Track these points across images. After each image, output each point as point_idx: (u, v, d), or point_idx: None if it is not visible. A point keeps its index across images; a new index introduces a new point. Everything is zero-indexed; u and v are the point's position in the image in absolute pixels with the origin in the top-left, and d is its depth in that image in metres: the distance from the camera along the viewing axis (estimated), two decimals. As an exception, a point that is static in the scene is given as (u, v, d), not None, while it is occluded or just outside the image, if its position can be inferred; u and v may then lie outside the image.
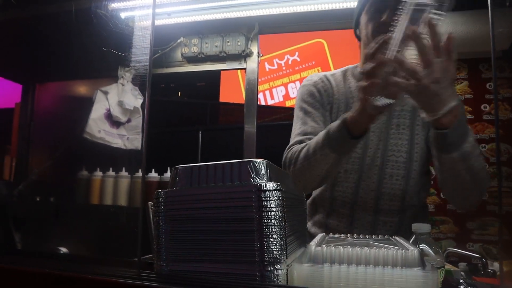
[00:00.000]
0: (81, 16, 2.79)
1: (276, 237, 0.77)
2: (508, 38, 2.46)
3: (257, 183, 0.79)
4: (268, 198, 0.78)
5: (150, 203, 1.91)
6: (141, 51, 3.08)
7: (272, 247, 0.76)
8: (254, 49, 2.98)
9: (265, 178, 0.82)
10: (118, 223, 2.80)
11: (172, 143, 4.00)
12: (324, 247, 0.78)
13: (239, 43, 2.94)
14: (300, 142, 1.39)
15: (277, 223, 0.78)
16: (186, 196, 0.83)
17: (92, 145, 2.86)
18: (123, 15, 2.71)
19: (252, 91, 3.02)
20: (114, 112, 2.89)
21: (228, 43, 2.96)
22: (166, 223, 0.83)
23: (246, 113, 3.01)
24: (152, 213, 0.86)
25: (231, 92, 4.75)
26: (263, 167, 0.82)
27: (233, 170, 0.83)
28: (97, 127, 2.83)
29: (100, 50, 2.91)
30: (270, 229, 0.77)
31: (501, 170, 2.11)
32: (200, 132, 4.06)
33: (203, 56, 2.99)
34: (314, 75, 1.53)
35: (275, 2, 2.74)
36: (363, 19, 1.38)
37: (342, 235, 1.03)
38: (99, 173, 2.98)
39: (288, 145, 1.42)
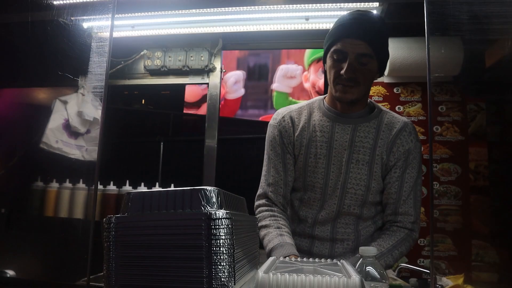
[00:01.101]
0: (43, 23, 2.74)
1: (225, 264, 0.79)
2: (457, 65, 2.61)
3: (207, 211, 0.82)
4: (217, 227, 0.80)
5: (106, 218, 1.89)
6: (98, 62, 3.05)
7: (220, 274, 0.79)
8: (217, 64, 3.01)
9: (215, 206, 0.84)
10: (74, 237, 2.73)
11: (132, 154, 3.94)
12: (271, 274, 0.81)
13: (202, 58, 2.96)
14: (264, 195, 1.59)
15: (225, 250, 0.80)
16: (137, 222, 0.84)
17: (48, 155, 2.79)
18: (85, 25, 2.68)
19: (214, 105, 3.04)
20: (73, 122, 2.84)
21: (192, 58, 2.97)
22: (117, 248, 0.84)
23: (207, 127, 3.03)
24: (103, 238, 0.86)
25: (195, 102, 4.74)
26: (214, 195, 0.85)
27: (184, 198, 0.85)
28: (54, 137, 2.77)
29: (61, 58, 2.86)
30: (219, 256, 0.79)
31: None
32: (162, 143, 4.03)
33: (166, 69, 2.99)
34: (279, 112, 1.62)
35: (239, 20, 2.78)
36: (328, 61, 1.46)
37: (293, 258, 1.06)
38: (55, 184, 2.90)
39: (257, 194, 1.63)
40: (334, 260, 1.07)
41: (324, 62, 1.51)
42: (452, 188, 2.71)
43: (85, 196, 2.88)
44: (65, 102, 2.86)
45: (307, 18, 2.63)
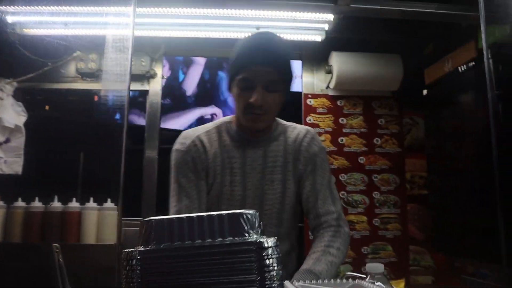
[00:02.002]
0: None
1: (279, 300, 0.69)
2: (397, 80, 2.76)
3: (256, 239, 0.71)
4: (269, 256, 0.70)
5: (55, 245, 1.62)
6: (23, 62, 2.70)
7: (276, 312, 0.68)
8: (159, 70, 2.84)
9: (259, 232, 0.73)
10: (-10, 263, 2.34)
11: (52, 166, 3.54)
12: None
13: (143, 64, 2.77)
14: None
15: (278, 283, 0.70)
16: (168, 257, 0.70)
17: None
18: (10, 19, 2.35)
19: (154, 114, 2.86)
20: (-11, 130, 2.46)
21: (132, 62, 2.75)
22: (144, 290, 0.69)
23: (147, 137, 2.83)
24: (123, 278, 0.71)
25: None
26: (256, 219, 0.74)
27: (222, 224, 0.73)
28: (-34, 147, 2.37)
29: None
30: (272, 291, 0.69)
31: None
32: (81, 154, 3.68)
33: (101, 73, 2.73)
34: (186, 136, 1.49)
35: (183, 25, 2.65)
36: (234, 90, 1.40)
37: (307, 281, 0.99)
38: (-35, 203, 2.48)
39: None
40: (356, 281, 1.02)
41: (229, 89, 1.46)
42: (391, 197, 2.85)
43: (3, 215, 2.50)
44: (-21, 107, 2.47)
45: (258, 28, 2.59)
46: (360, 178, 2.83)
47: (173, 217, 0.74)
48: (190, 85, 4.00)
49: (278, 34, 1.43)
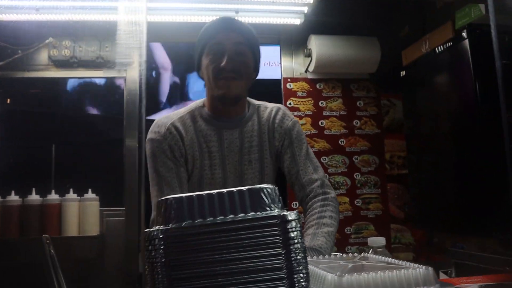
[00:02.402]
0: None
1: (304, 271, 0.70)
2: (375, 62, 2.80)
3: (280, 213, 0.71)
4: (293, 229, 0.70)
5: (46, 236, 1.56)
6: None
7: (302, 283, 0.69)
8: (135, 57, 2.76)
9: (280, 206, 0.73)
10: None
11: (23, 160, 3.42)
12: (348, 276, 0.74)
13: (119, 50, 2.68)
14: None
15: (302, 255, 0.70)
16: (193, 233, 0.69)
17: None
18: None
19: (133, 102, 2.78)
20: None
21: (107, 48, 2.68)
22: (168, 270, 0.68)
23: (126, 126, 2.76)
24: (145, 259, 0.69)
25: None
26: (276, 195, 0.74)
27: (243, 199, 0.72)
28: None
29: None
30: (298, 263, 0.69)
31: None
32: (53, 146, 3.57)
33: (75, 60, 2.64)
34: (160, 123, 1.47)
35: (165, 9, 2.59)
36: (204, 62, 1.43)
37: (320, 257, 1.00)
38: None
39: (151, 219, 1.40)
40: (362, 254, 1.04)
41: (198, 70, 1.48)
42: (371, 177, 2.91)
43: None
44: None
45: (237, 11, 2.56)
46: (341, 160, 2.88)
47: (193, 195, 0.72)
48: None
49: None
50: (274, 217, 0.70)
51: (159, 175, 1.41)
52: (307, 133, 2.81)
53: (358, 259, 0.96)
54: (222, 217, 0.71)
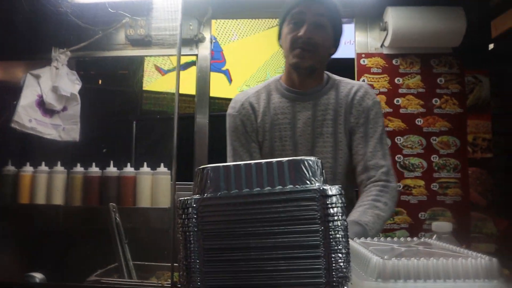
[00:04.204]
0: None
1: (343, 251, 0.64)
2: (459, 35, 2.54)
3: (319, 187, 0.66)
4: (333, 205, 0.65)
5: (112, 204, 1.67)
6: (75, 31, 2.72)
7: (340, 263, 0.64)
8: (207, 34, 2.79)
9: (322, 180, 0.68)
10: (54, 226, 2.48)
11: (106, 135, 3.66)
12: (395, 261, 0.67)
13: (191, 27, 2.73)
14: None
15: (342, 234, 0.65)
16: (228, 204, 0.67)
17: (20, 136, 2.49)
18: (60, -12, 2.37)
19: (204, 79, 2.83)
20: (48, 98, 2.54)
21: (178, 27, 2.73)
22: (201, 240, 0.66)
23: (197, 103, 2.82)
24: (179, 227, 0.68)
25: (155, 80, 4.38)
26: (318, 167, 0.69)
27: (282, 171, 0.68)
28: (27, 115, 2.46)
29: (30, 28, 2.54)
30: (337, 242, 0.64)
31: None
32: (134, 122, 3.77)
33: (150, 39, 2.73)
34: (237, 99, 1.56)
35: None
36: (284, 31, 1.46)
37: (375, 239, 0.93)
38: (29, 168, 2.61)
39: None
40: (422, 239, 0.96)
41: (280, 37, 1.50)
42: (451, 161, 2.68)
43: (64, 180, 2.61)
44: (37, 77, 2.55)
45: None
46: (417, 141, 2.69)
47: (230, 165, 0.70)
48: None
49: None
50: (313, 190, 0.65)
51: (234, 149, 1.51)
52: (382, 112, 2.66)
53: (416, 244, 0.87)
54: (259, 188, 0.68)
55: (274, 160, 0.69)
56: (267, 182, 0.68)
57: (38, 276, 1.64)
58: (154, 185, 2.58)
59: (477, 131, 2.71)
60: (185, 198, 0.69)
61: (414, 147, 2.69)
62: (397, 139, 2.68)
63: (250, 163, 0.69)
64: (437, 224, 1.03)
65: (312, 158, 0.69)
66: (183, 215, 0.68)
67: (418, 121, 2.70)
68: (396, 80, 2.73)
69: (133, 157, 3.30)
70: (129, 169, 2.60)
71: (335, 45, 1.50)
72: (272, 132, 1.48)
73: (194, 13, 2.74)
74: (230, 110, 1.56)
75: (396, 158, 2.64)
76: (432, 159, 2.69)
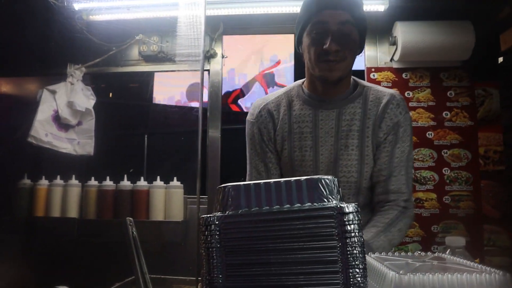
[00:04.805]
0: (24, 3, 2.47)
1: (361, 266, 0.66)
2: (468, 49, 2.57)
3: (337, 204, 0.68)
4: (350, 222, 0.67)
5: (129, 218, 1.70)
6: (90, 48, 2.78)
7: (358, 278, 0.66)
8: (218, 50, 2.85)
9: (339, 198, 0.71)
10: (69, 237, 2.52)
11: (117, 148, 3.71)
12: (411, 276, 0.69)
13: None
14: None
15: (359, 249, 0.67)
16: (249, 221, 0.70)
17: (36, 150, 2.55)
18: (77, 6, 2.44)
19: (216, 93, 2.87)
20: (63, 113, 2.60)
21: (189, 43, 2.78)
22: (223, 255, 0.69)
23: (210, 117, 2.86)
24: (202, 243, 0.71)
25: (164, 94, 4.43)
26: (335, 185, 0.71)
27: (301, 189, 0.71)
28: (44, 130, 2.52)
29: (46, 45, 2.61)
30: (354, 257, 0.66)
31: None
32: (146, 136, 3.82)
33: (163, 55, 2.79)
34: (256, 105, 1.50)
35: (240, 2, 2.63)
36: (305, 40, 1.35)
37: (390, 254, 0.95)
38: (44, 182, 2.66)
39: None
40: (437, 254, 0.97)
41: (299, 45, 1.40)
42: (463, 173, 2.69)
43: (79, 193, 2.66)
44: (53, 92, 2.61)
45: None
46: (428, 154, 2.70)
47: (250, 183, 0.73)
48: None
49: None
50: (330, 208, 0.68)
51: (250, 157, 1.49)
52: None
53: (430, 259, 0.89)
54: (278, 206, 0.70)
55: (292, 178, 0.72)
56: (286, 200, 0.70)
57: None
58: (167, 199, 2.62)
59: (489, 143, 2.72)
60: (208, 215, 0.72)
61: (425, 160, 2.70)
62: (408, 152, 2.69)
63: (269, 182, 0.72)
64: (450, 239, 1.04)
65: (329, 177, 0.71)
66: (206, 232, 0.71)
67: (429, 134, 2.72)
68: (406, 94, 2.75)
69: (145, 171, 3.35)
70: (142, 183, 2.64)
71: (361, 46, 1.39)
72: (292, 141, 1.40)
73: (206, 29, 2.79)
74: (248, 116, 1.50)
75: (407, 171, 2.65)
76: (443, 172, 2.69)
